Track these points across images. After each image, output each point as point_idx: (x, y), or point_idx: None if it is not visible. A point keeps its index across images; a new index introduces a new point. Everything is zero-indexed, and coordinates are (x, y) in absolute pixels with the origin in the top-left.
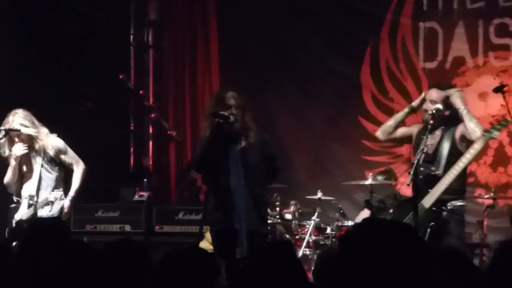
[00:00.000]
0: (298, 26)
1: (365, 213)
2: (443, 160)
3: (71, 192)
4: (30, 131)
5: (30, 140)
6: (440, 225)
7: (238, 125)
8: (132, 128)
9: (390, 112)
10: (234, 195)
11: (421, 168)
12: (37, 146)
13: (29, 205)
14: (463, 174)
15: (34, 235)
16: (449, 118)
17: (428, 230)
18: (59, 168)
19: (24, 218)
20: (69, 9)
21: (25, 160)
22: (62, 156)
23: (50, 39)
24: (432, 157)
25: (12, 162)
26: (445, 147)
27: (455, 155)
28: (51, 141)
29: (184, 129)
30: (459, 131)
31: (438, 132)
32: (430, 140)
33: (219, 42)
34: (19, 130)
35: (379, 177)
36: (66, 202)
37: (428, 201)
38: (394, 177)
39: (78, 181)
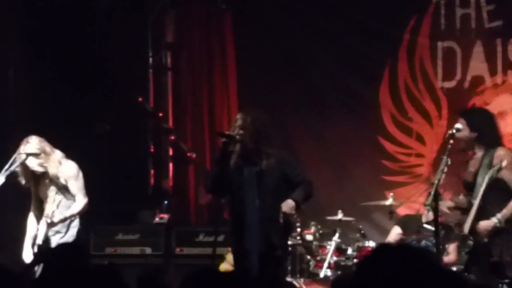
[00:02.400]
0: (315, 46)
1: (397, 230)
2: (478, 188)
3: (55, 218)
4: (34, 163)
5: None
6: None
7: (247, 146)
8: (151, 150)
9: (409, 132)
10: (248, 216)
11: (460, 197)
12: (50, 173)
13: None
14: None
15: (54, 260)
16: (481, 141)
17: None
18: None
19: (41, 239)
20: (88, 32)
21: (41, 186)
22: (70, 183)
23: (69, 62)
24: (471, 185)
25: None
26: (482, 174)
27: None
28: (63, 168)
29: (203, 151)
30: (497, 155)
31: (478, 156)
32: (471, 167)
33: (236, 63)
34: (23, 161)
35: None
36: (41, 228)
37: (465, 227)
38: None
39: (70, 212)
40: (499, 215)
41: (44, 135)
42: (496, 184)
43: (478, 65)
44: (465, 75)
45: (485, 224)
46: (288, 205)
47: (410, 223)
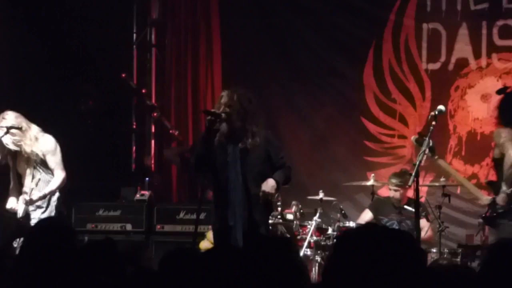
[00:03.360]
0: (300, 26)
1: (368, 214)
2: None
3: (34, 195)
4: (9, 140)
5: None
6: None
7: (233, 124)
8: (134, 127)
9: (392, 113)
10: (231, 194)
11: None
12: (25, 151)
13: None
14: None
15: (38, 234)
16: None
17: None
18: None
19: (20, 215)
20: (72, 8)
21: (18, 161)
22: (48, 158)
23: (51, 38)
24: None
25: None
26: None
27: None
28: (41, 143)
29: (186, 128)
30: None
31: None
32: None
33: (221, 41)
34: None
35: (394, 180)
36: (20, 204)
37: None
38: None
39: (49, 188)
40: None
41: (27, 112)
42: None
43: (463, 48)
44: (449, 57)
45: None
46: (268, 184)
47: (382, 206)
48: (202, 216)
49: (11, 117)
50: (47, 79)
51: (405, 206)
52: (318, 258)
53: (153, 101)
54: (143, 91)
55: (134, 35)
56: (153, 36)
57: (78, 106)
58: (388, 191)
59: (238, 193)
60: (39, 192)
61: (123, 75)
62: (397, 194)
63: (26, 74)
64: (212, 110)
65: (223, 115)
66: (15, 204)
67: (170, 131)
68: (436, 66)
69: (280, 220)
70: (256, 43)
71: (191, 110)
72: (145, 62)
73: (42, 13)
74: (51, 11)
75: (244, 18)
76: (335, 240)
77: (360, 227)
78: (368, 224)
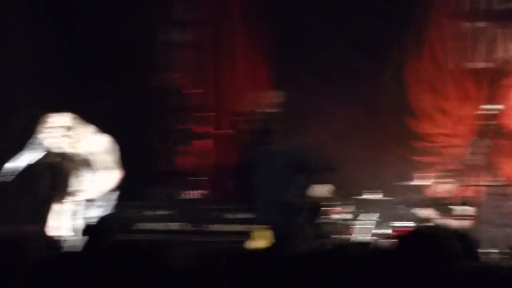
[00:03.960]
0: (320, 22)
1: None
2: None
3: (91, 195)
4: (65, 142)
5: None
6: None
7: (272, 125)
8: (175, 127)
9: (442, 112)
10: (263, 196)
11: None
12: (80, 153)
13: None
14: None
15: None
16: None
17: None
18: None
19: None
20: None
21: (73, 163)
22: (103, 157)
23: (89, 38)
24: None
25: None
26: None
27: None
28: (96, 143)
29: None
30: None
31: None
32: None
33: (244, 38)
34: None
35: (444, 176)
36: (77, 202)
37: None
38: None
39: (105, 188)
40: None
41: (71, 111)
42: None
43: (508, 45)
44: (498, 55)
45: None
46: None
47: (440, 205)
48: (248, 215)
49: (65, 119)
50: (86, 79)
51: (453, 206)
52: None
53: (197, 101)
54: (186, 91)
55: (166, 35)
56: (181, 35)
57: (122, 106)
58: (436, 191)
59: (270, 195)
60: (95, 191)
61: (166, 75)
62: (448, 188)
63: (68, 75)
64: (251, 111)
65: (261, 116)
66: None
67: (210, 130)
68: (485, 64)
69: (327, 220)
70: (305, 39)
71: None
72: (186, 62)
73: (76, 12)
74: (84, 10)
75: (267, 12)
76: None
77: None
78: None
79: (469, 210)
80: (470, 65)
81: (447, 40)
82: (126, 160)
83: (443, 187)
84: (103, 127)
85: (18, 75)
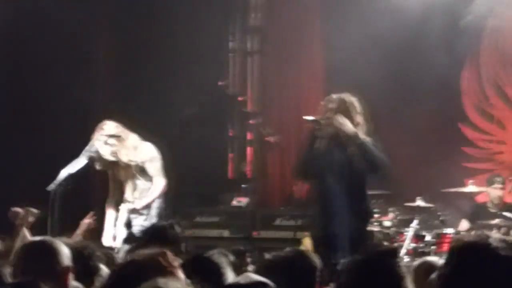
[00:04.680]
0: (400, 29)
1: (464, 223)
2: None
3: (137, 204)
4: (107, 151)
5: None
6: None
7: (336, 131)
8: (231, 134)
9: (490, 118)
10: (336, 201)
11: None
12: (122, 162)
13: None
14: None
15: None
16: None
17: None
18: None
19: (124, 223)
20: (170, 15)
21: (119, 170)
22: (147, 165)
23: (150, 45)
24: None
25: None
26: None
27: None
28: (140, 151)
29: (289, 135)
30: None
31: None
32: None
33: (323, 47)
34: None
35: (496, 179)
36: (123, 212)
37: None
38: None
39: (151, 197)
40: None
41: (128, 119)
42: None
43: None
44: None
45: None
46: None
47: (479, 213)
48: (299, 222)
49: (109, 127)
50: (147, 86)
51: (504, 213)
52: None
53: (250, 108)
54: (240, 98)
55: (231, 42)
56: (252, 43)
57: (177, 114)
58: (486, 197)
59: (342, 200)
60: (141, 200)
61: (221, 83)
62: (499, 193)
63: (125, 84)
64: (313, 117)
65: (321, 121)
66: (111, 241)
67: (266, 138)
68: None
69: (378, 227)
70: (358, 46)
71: (292, 116)
72: (244, 69)
73: (140, 23)
74: (151, 20)
75: (346, 22)
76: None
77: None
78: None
79: None
80: None
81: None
82: (180, 167)
83: (490, 193)
84: (156, 135)
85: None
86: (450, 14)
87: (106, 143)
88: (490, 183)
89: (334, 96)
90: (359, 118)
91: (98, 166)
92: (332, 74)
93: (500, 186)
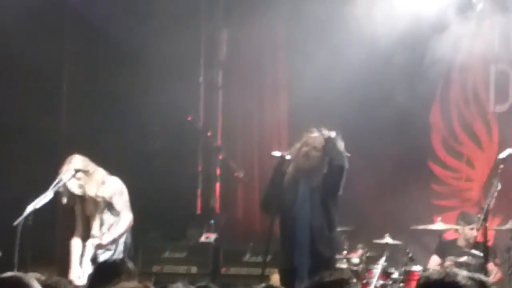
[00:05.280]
0: (366, 65)
1: (435, 259)
2: None
3: (104, 240)
4: (74, 185)
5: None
6: None
7: (302, 165)
8: (200, 169)
9: (459, 156)
10: (299, 233)
11: None
12: (88, 195)
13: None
14: None
15: (99, 277)
16: None
17: None
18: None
19: (90, 258)
20: (140, 49)
21: (86, 204)
22: (114, 199)
23: (119, 79)
24: None
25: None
26: None
27: None
28: (107, 186)
29: (252, 170)
30: None
31: None
32: None
33: (289, 83)
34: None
35: (464, 220)
36: (89, 247)
37: None
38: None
39: (118, 231)
40: None
41: (95, 152)
42: None
43: None
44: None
45: None
46: None
47: (449, 250)
48: (269, 258)
49: (77, 161)
50: (115, 119)
51: (472, 250)
52: None
53: (219, 142)
54: (209, 133)
55: (201, 77)
56: (219, 77)
57: (145, 147)
58: (455, 234)
59: (305, 232)
60: (109, 236)
61: (189, 117)
62: (474, 233)
63: (91, 116)
64: (277, 152)
65: (287, 156)
66: (79, 273)
67: (235, 174)
68: (504, 107)
69: (346, 264)
70: (322, 81)
71: (257, 151)
72: (211, 104)
73: (109, 56)
74: (119, 51)
75: (310, 58)
76: None
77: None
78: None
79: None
80: (492, 107)
81: (477, 81)
82: (148, 202)
83: (463, 232)
84: (124, 168)
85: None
86: (419, 48)
87: (73, 177)
88: (465, 222)
89: (306, 132)
90: (322, 151)
91: (65, 201)
92: (296, 108)
93: (474, 226)
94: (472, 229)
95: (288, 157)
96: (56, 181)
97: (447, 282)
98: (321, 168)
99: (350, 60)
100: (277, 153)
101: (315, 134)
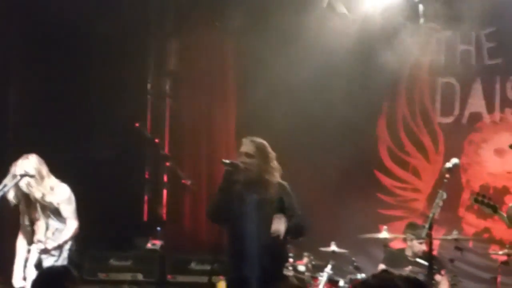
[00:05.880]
0: (314, 76)
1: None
2: None
3: (49, 245)
4: (23, 181)
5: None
6: None
7: (253, 175)
8: (147, 176)
9: (405, 166)
10: (248, 244)
11: None
12: (34, 197)
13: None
14: None
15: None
16: None
17: None
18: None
19: (34, 263)
20: (88, 56)
21: (32, 208)
22: (62, 207)
23: (68, 85)
24: None
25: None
26: None
27: None
28: (56, 192)
29: (200, 178)
30: None
31: None
32: None
33: (237, 93)
34: (19, 179)
35: (412, 231)
36: (34, 252)
37: None
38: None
39: (63, 238)
40: None
41: (42, 157)
42: None
43: (476, 102)
44: (463, 111)
45: None
46: (277, 223)
47: (395, 259)
48: (215, 266)
49: (32, 162)
50: (62, 127)
51: (418, 259)
52: None
53: (166, 150)
54: (156, 140)
55: (149, 85)
56: (168, 86)
57: (92, 154)
58: (402, 244)
59: (255, 244)
60: (54, 242)
61: (137, 124)
62: (422, 247)
63: (42, 122)
64: (230, 161)
65: (241, 165)
66: (21, 282)
67: (182, 181)
68: (449, 119)
69: (292, 272)
70: (270, 93)
71: (204, 160)
72: (160, 112)
73: (55, 61)
74: (67, 58)
75: (259, 70)
76: None
77: (377, 277)
78: (384, 273)
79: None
80: (439, 119)
81: (424, 94)
82: (93, 209)
83: (412, 244)
84: (70, 175)
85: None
86: (367, 60)
87: (18, 182)
88: (413, 232)
89: (246, 139)
90: (274, 163)
91: (12, 199)
92: (245, 117)
93: (423, 240)
94: (421, 243)
95: (241, 165)
96: (4, 180)
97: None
98: (264, 178)
99: (300, 71)
100: (226, 161)
101: (245, 140)
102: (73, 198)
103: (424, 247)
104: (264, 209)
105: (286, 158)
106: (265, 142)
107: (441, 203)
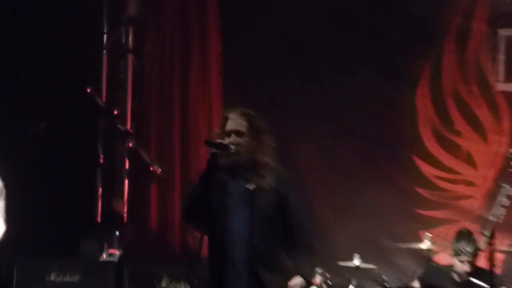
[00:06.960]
0: (323, 28)
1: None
2: None
3: None
4: None
5: None
6: None
7: (244, 158)
8: (101, 160)
9: (456, 151)
10: (235, 249)
11: None
12: None
13: None
14: None
15: None
16: None
17: None
18: None
19: None
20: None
21: None
22: None
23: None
24: None
25: None
26: None
27: None
28: None
29: (172, 163)
30: None
31: None
32: None
33: (222, 50)
34: None
35: (464, 247)
36: None
37: None
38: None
39: None
40: None
41: None
42: None
43: None
44: None
45: None
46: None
47: (438, 278)
48: (195, 282)
49: None
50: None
51: (472, 279)
52: None
53: (128, 126)
54: (115, 112)
55: (105, 36)
56: (130, 39)
57: (25, 128)
58: (450, 259)
59: (243, 249)
60: None
61: (89, 89)
62: (464, 267)
63: None
64: (218, 141)
65: (232, 147)
66: None
67: (151, 167)
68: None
69: None
70: (266, 51)
71: (178, 138)
72: (119, 73)
73: None
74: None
75: (250, 21)
76: None
77: None
78: None
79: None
80: (502, 86)
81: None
82: (29, 205)
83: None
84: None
85: None
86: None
87: None
88: (469, 243)
89: (232, 112)
90: (263, 138)
91: None
92: (232, 84)
93: (465, 258)
94: (462, 261)
95: (232, 147)
96: None
97: None
98: (259, 161)
99: (298, 26)
100: (213, 141)
101: (232, 115)
102: (4, 191)
103: (466, 267)
104: (258, 204)
105: (288, 139)
106: (257, 116)
107: (505, 202)
